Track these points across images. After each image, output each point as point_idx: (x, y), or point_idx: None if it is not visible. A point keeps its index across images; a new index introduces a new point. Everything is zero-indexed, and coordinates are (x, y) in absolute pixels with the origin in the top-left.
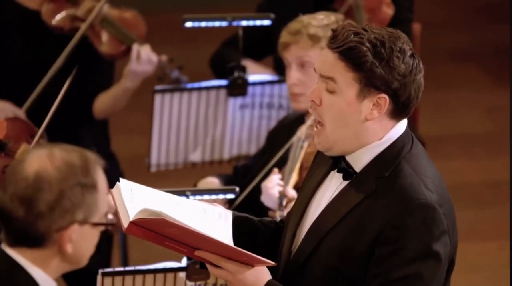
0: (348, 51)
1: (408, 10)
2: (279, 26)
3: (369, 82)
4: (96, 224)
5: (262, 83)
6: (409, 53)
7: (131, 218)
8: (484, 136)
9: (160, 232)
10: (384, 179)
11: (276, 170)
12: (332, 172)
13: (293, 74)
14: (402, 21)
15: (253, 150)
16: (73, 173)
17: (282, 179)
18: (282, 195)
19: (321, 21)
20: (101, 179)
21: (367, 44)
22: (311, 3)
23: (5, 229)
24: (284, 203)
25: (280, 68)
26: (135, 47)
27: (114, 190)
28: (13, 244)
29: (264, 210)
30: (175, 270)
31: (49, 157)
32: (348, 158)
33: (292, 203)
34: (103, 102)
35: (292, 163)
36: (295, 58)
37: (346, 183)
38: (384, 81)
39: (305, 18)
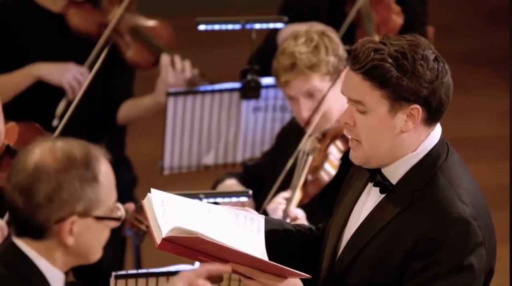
0: (371, 71)
1: (422, 14)
2: None
3: (398, 96)
4: (99, 218)
5: (275, 86)
6: (432, 57)
7: (164, 234)
8: (498, 140)
9: (193, 248)
10: (419, 192)
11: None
12: (369, 185)
13: (304, 106)
14: (417, 25)
15: None
16: (72, 165)
17: (287, 196)
18: (285, 214)
19: (308, 46)
20: (104, 173)
21: (389, 60)
22: (325, 7)
23: (11, 218)
24: (288, 221)
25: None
26: (166, 57)
27: (145, 201)
28: (18, 234)
29: None
30: None
31: (51, 148)
32: (384, 170)
33: (297, 222)
34: (131, 111)
35: (297, 179)
36: (300, 93)
37: (383, 196)
38: (412, 92)
39: (290, 47)
